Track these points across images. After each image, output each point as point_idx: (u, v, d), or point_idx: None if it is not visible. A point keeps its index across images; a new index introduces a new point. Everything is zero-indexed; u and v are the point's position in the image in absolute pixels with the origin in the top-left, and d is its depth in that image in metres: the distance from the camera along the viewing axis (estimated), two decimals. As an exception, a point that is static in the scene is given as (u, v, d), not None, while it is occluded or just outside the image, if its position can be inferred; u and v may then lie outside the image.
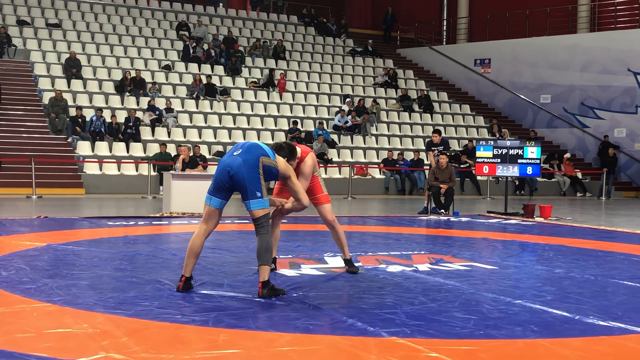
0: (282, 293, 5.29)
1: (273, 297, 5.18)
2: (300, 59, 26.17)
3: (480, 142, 14.25)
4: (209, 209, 5.40)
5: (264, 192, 5.27)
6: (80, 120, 18.78)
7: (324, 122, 21.76)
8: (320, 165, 19.74)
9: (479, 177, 20.72)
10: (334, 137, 21.61)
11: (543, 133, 25.63)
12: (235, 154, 5.33)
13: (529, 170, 13.67)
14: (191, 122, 20.73)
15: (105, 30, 24.14)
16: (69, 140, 18.58)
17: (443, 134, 14.90)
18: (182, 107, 21.14)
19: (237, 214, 12.55)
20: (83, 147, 18.39)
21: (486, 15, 28.33)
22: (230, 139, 20.47)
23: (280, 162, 5.53)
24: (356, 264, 6.83)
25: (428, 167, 15.01)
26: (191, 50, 23.64)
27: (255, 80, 23.67)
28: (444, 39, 31.01)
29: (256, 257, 5.29)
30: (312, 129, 21.47)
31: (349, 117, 22.42)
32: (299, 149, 6.08)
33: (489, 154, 13.69)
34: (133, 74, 21.13)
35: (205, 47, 23.95)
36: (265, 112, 22.22)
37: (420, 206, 14.64)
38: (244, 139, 20.50)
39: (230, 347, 3.98)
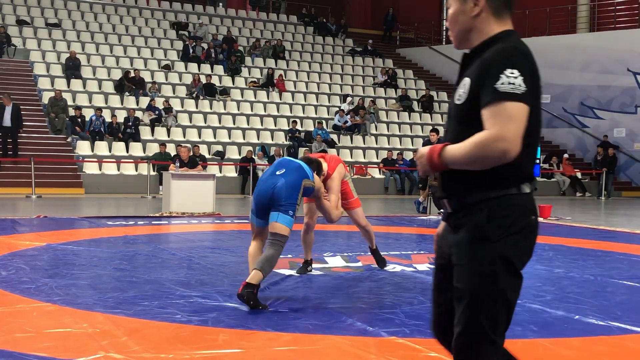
0: (263, 307, 4.87)
1: (251, 302, 4.81)
2: (300, 59, 26.17)
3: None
4: (256, 228, 5.31)
5: (295, 215, 5.19)
6: (79, 120, 18.78)
7: (324, 121, 21.77)
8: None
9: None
10: (334, 136, 21.61)
11: (542, 133, 25.44)
12: (277, 173, 5.24)
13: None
14: (191, 121, 20.73)
15: (104, 30, 24.13)
16: (69, 140, 18.57)
17: (442, 134, 14.91)
18: (182, 107, 21.13)
19: (237, 213, 12.55)
20: (82, 147, 18.39)
21: (486, 15, 28.27)
22: (229, 138, 20.47)
23: (317, 181, 5.49)
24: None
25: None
26: (191, 50, 23.64)
27: (255, 80, 23.67)
28: (444, 39, 31.01)
29: (258, 261, 5.04)
30: (312, 128, 21.47)
31: (349, 116, 22.43)
32: (325, 165, 6.01)
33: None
34: (132, 73, 21.14)
35: (205, 46, 23.95)
36: (265, 112, 22.22)
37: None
38: (244, 139, 20.52)
39: (230, 347, 3.98)
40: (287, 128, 21.29)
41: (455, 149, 2.24)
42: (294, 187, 5.15)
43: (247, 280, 4.89)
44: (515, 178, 2.28)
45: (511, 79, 2.17)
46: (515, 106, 2.16)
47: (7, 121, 17.35)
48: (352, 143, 21.93)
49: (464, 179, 2.30)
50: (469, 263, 2.29)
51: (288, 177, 5.19)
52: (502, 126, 2.15)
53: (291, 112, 22.62)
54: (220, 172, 18.65)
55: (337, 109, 23.01)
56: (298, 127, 21.25)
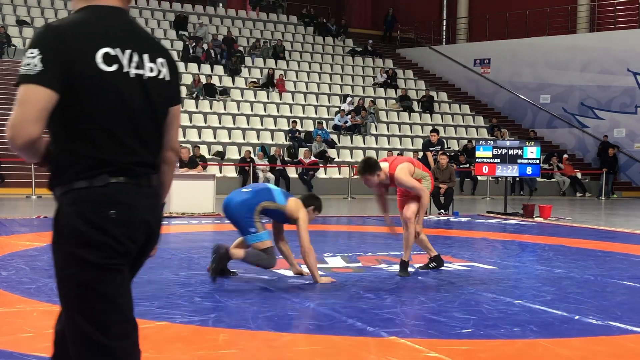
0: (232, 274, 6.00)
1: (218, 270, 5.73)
2: (300, 59, 26.17)
3: (480, 142, 14.25)
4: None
5: (259, 227, 5.73)
6: (79, 120, 18.76)
7: (323, 122, 21.77)
8: (320, 164, 19.75)
9: (479, 177, 20.72)
10: (334, 137, 21.61)
11: (543, 133, 25.63)
12: (243, 190, 5.90)
13: (529, 170, 13.67)
14: (191, 122, 20.73)
15: (104, 30, 24.10)
16: (69, 140, 18.55)
17: (442, 134, 14.93)
18: (182, 107, 21.10)
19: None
20: (83, 147, 18.36)
21: (486, 15, 28.33)
22: (229, 139, 20.47)
23: (291, 205, 5.82)
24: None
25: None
26: (191, 50, 23.64)
27: (255, 80, 23.67)
28: (444, 39, 31.02)
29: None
30: (312, 129, 21.48)
31: (349, 117, 22.43)
32: (384, 165, 6.22)
33: (489, 154, 13.69)
34: (133, 74, 21.11)
35: (205, 47, 23.96)
36: (265, 112, 22.21)
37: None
38: (244, 139, 20.53)
39: (230, 347, 3.98)
40: (287, 128, 21.28)
41: None
42: (248, 208, 5.68)
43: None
44: (84, 170, 2.12)
45: (29, 60, 2.06)
46: (26, 89, 2.05)
47: None
48: (352, 143, 21.93)
49: (50, 174, 2.21)
50: (54, 269, 2.14)
51: (247, 196, 5.76)
52: (13, 112, 2.04)
53: (291, 113, 22.61)
54: (220, 172, 18.63)
55: (337, 109, 23.01)
56: (298, 127, 21.25)
